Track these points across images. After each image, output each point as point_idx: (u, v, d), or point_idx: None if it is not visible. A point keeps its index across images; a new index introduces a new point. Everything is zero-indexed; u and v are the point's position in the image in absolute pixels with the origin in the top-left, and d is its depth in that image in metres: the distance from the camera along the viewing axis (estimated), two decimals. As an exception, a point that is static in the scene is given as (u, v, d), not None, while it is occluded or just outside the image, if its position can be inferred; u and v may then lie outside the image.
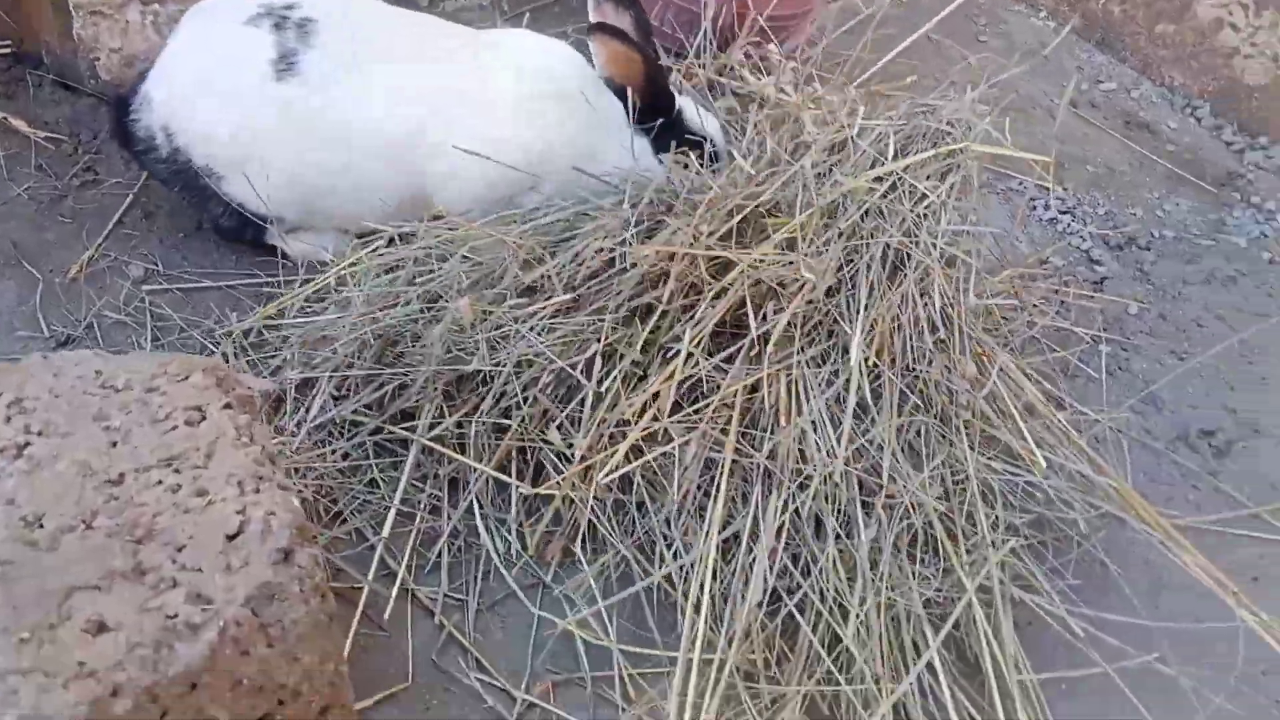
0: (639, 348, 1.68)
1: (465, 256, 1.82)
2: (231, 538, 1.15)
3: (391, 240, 1.95)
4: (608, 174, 1.97)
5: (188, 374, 1.31)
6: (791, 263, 1.72)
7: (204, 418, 1.26)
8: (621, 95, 2.05)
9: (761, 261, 1.69)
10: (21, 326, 1.94)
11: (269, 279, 2.05)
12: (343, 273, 1.92)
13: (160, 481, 1.18)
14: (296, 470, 1.70)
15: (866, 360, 1.64)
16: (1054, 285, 2.49)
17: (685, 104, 2.13)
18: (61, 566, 1.09)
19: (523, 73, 2.04)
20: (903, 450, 1.68)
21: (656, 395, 1.67)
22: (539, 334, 1.67)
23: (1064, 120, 3.21)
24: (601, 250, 1.71)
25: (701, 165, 1.97)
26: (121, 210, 2.19)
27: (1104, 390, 2.33)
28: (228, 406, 1.28)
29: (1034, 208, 2.84)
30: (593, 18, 2.11)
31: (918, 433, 1.71)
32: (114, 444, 1.21)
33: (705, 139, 2.10)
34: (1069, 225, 2.82)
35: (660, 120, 2.07)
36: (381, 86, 1.97)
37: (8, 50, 2.52)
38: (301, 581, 1.15)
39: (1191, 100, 3.45)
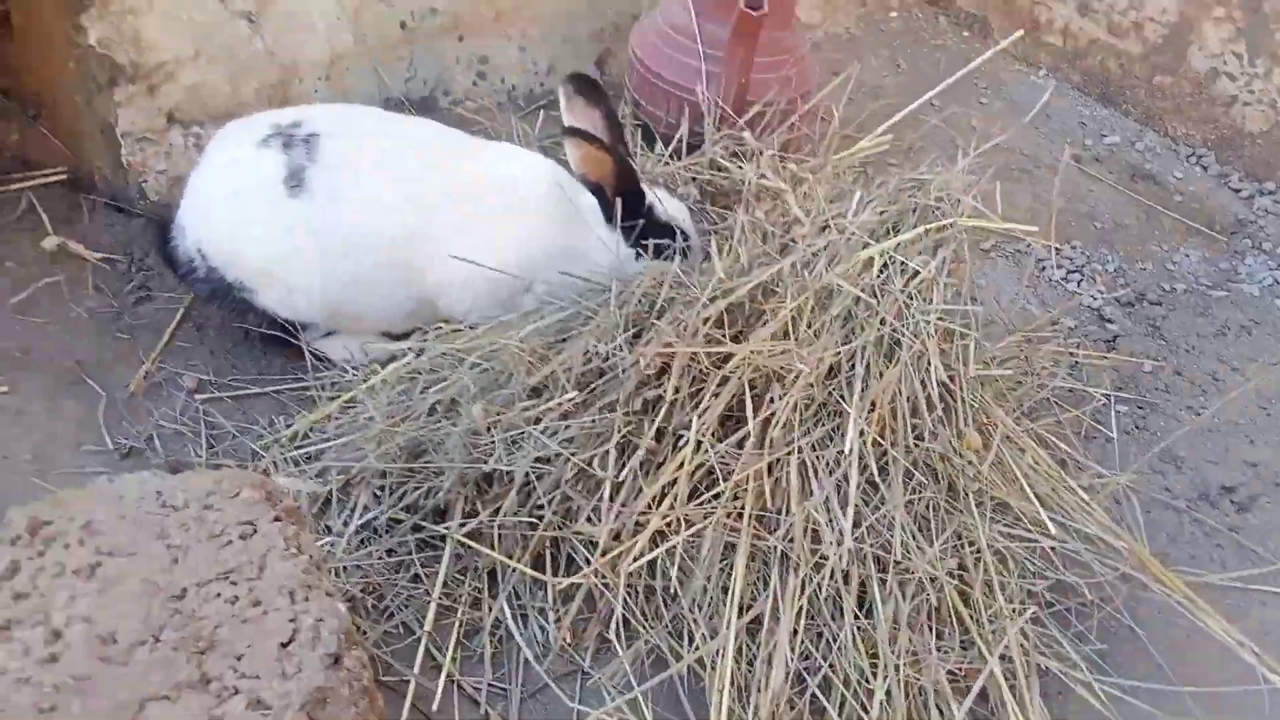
0: (652, 436, 1.78)
1: (474, 363, 1.93)
2: (285, 645, 1.25)
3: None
4: (593, 272, 2.10)
5: (238, 490, 1.42)
6: (785, 351, 1.81)
7: (255, 531, 1.38)
8: (597, 193, 2.17)
9: (758, 352, 1.79)
10: (87, 440, 2.07)
11: (314, 382, 2.18)
12: (364, 385, 2.05)
13: (219, 594, 1.29)
14: (344, 569, 1.81)
15: (870, 439, 1.72)
16: (1065, 346, 2.55)
17: (655, 195, 2.24)
18: (134, 679, 1.19)
19: (501, 181, 2.18)
20: (915, 524, 1.74)
21: (673, 482, 1.77)
22: (552, 433, 1.77)
23: (1069, 177, 3.29)
24: (599, 352, 1.83)
25: (673, 255, 2.11)
26: (174, 325, 2.35)
27: (1121, 450, 2.37)
28: (276, 519, 1.39)
29: (1042, 268, 2.91)
30: (565, 115, 2.24)
31: (927, 506, 1.78)
32: (175, 560, 1.33)
33: (677, 230, 2.22)
34: (1078, 284, 2.89)
35: (633, 215, 2.17)
36: (379, 196, 2.10)
37: (63, 177, 2.73)
38: (350, 685, 1.24)
39: (1196, 149, 3.53)
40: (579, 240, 2.19)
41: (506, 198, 2.18)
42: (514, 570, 1.82)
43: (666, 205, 2.23)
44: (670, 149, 2.60)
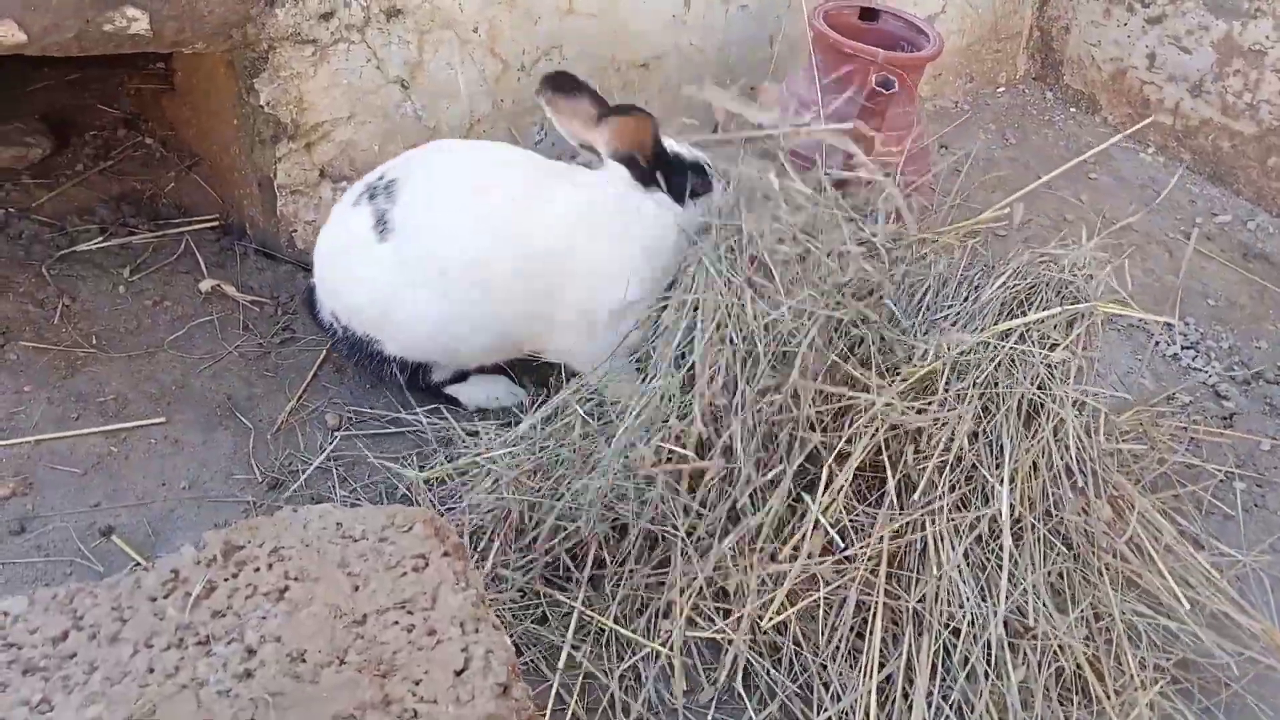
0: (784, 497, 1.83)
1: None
2: (459, 673, 1.32)
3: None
4: (662, 239, 2.18)
5: (411, 525, 1.51)
6: (923, 411, 1.86)
7: (427, 564, 1.46)
8: (630, 163, 2.20)
9: (893, 406, 1.84)
10: (237, 471, 2.20)
11: (446, 421, 2.28)
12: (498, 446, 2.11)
13: (397, 622, 1.37)
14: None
15: (1010, 507, 1.75)
16: (1182, 422, 2.55)
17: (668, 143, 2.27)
18: (323, 698, 1.27)
19: (576, 192, 2.23)
20: (1048, 592, 1.76)
21: (804, 536, 1.81)
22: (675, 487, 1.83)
23: (1180, 253, 3.29)
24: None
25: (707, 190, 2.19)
26: (316, 365, 2.49)
27: (1242, 528, 2.35)
28: (446, 554, 1.48)
29: (1156, 344, 2.91)
30: (553, 119, 2.26)
31: (1060, 575, 1.80)
32: (356, 588, 1.42)
33: (702, 163, 2.26)
34: (1192, 361, 2.87)
35: (670, 169, 2.21)
36: (457, 221, 2.17)
37: (216, 223, 2.92)
38: (518, 714, 1.31)
39: (1310, 230, 3.50)
40: (649, 227, 2.21)
41: (593, 200, 2.22)
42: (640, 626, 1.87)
43: (682, 150, 2.28)
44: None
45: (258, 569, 1.43)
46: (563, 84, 2.26)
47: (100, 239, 2.77)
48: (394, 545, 1.48)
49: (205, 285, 2.65)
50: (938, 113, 3.85)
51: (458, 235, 2.17)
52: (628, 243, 2.19)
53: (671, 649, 1.85)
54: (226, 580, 1.42)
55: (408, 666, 1.33)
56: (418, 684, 1.31)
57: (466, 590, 1.43)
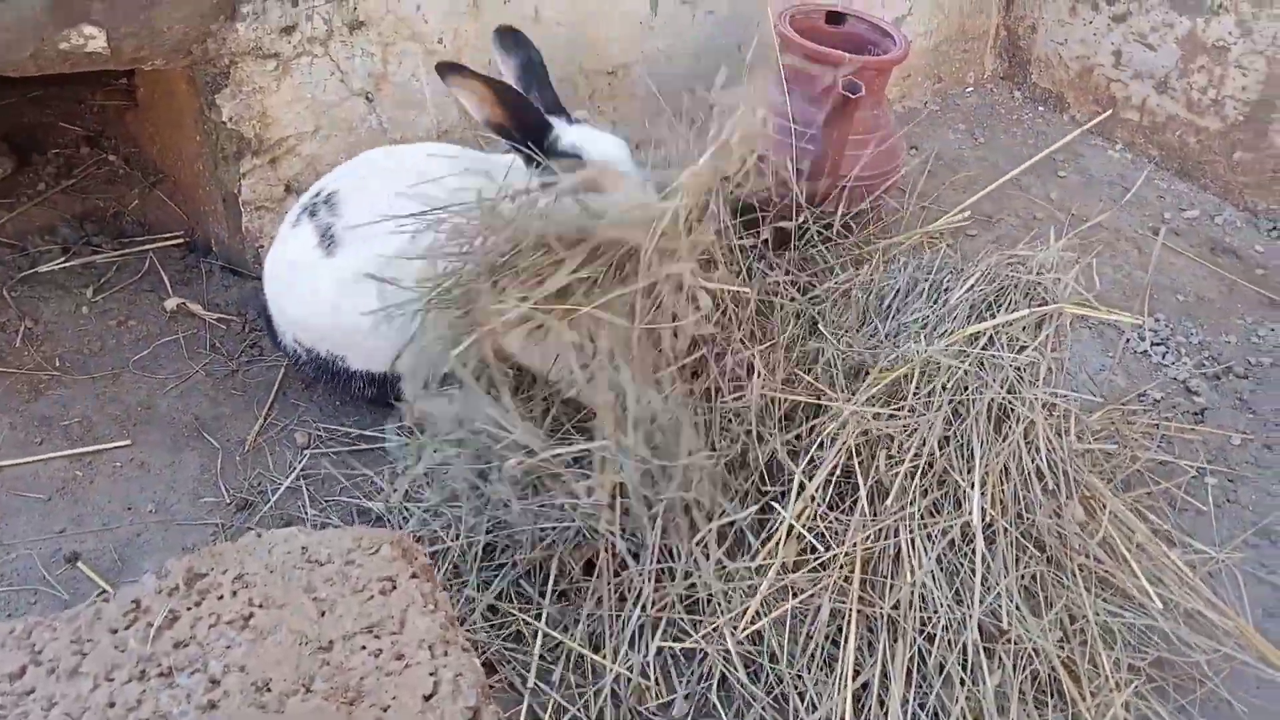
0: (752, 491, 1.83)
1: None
2: (428, 698, 1.30)
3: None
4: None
5: (378, 547, 1.49)
6: (894, 416, 1.87)
7: (395, 587, 1.44)
8: (506, 135, 2.08)
9: (864, 411, 1.84)
10: (205, 493, 2.17)
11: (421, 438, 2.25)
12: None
13: (364, 647, 1.35)
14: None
15: (982, 511, 1.75)
16: (1153, 419, 2.56)
17: (576, 128, 2.14)
18: (289, 727, 1.25)
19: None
20: (1020, 595, 1.76)
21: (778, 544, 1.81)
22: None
23: (1149, 249, 3.31)
24: None
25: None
26: (277, 382, 2.46)
27: (1214, 524, 2.36)
28: (414, 576, 1.46)
29: (1127, 340, 2.92)
30: (499, 72, 2.18)
31: (1033, 578, 1.80)
32: (323, 614, 1.39)
33: (579, 151, 2.08)
34: (1163, 357, 2.89)
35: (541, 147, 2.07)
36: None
37: (181, 241, 2.89)
38: (489, 737, 1.29)
39: (1276, 223, 3.52)
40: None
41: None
42: (617, 633, 1.85)
43: (582, 136, 2.11)
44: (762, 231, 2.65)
45: (221, 597, 1.41)
46: (505, 40, 2.23)
47: (63, 259, 2.73)
48: (360, 568, 1.46)
49: (171, 304, 2.61)
50: (907, 113, 3.86)
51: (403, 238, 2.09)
52: None
53: (642, 669, 1.84)
54: (189, 609, 1.39)
55: (376, 692, 1.31)
56: (386, 710, 1.29)
57: (435, 612, 1.42)
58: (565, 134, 2.12)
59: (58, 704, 1.27)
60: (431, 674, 1.33)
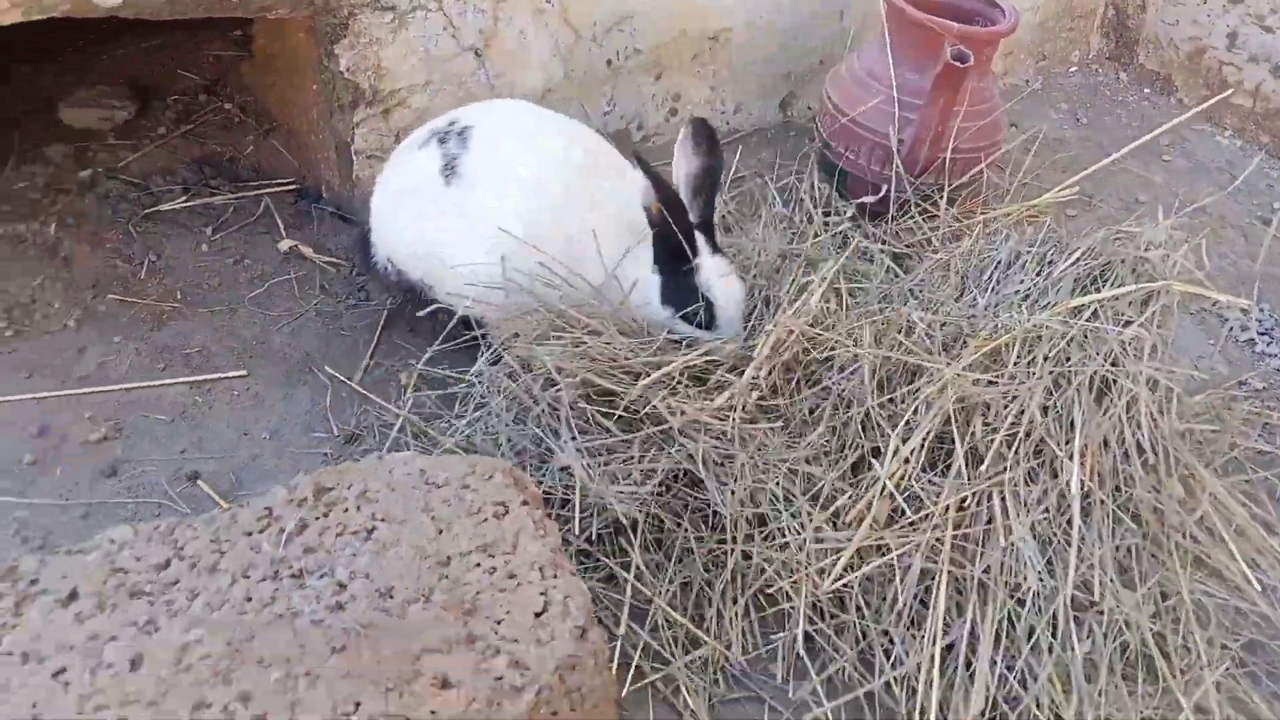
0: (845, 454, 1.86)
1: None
2: (539, 615, 1.37)
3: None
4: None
5: (491, 474, 1.56)
6: (994, 382, 1.87)
7: (507, 512, 1.51)
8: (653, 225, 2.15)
9: (964, 376, 1.85)
10: (316, 425, 2.28)
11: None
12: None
13: (479, 565, 1.43)
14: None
15: (1079, 482, 1.75)
16: (1255, 407, 2.51)
17: (713, 263, 2.17)
18: (411, 631, 1.33)
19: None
20: (1116, 568, 1.76)
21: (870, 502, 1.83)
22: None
23: (1258, 238, 3.22)
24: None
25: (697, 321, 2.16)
26: (381, 324, 2.55)
27: (1314, 515, 2.31)
28: (525, 503, 1.53)
29: (1230, 328, 2.86)
30: (676, 152, 2.19)
31: (1128, 551, 1.79)
32: (440, 531, 1.47)
33: (707, 298, 2.16)
34: (1267, 346, 2.82)
35: (664, 266, 2.19)
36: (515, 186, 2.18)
37: (293, 187, 3.00)
38: (595, 656, 1.35)
39: (1392, 217, 3.40)
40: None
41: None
42: (706, 583, 1.90)
43: (716, 278, 2.17)
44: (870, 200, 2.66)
45: (346, 510, 1.50)
46: (700, 134, 2.20)
47: (183, 199, 2.85)
48: (475, 492, 1.53)
49: (284, 245, 2.72)
50: (1009, 90, 3.79)
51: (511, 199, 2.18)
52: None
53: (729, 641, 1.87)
54: (317, 519, 1.48)
55: (490, 607, 1.38)
56: (499, 623, 1.36)
57: (545, 538, 1.48)
58: (704, 266, 2.16)
59: (199, 595, 1.37)
60: (542, 594, 1.40)
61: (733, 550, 1.88)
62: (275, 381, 2.37)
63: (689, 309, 2.17)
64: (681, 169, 2.19)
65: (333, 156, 2.79)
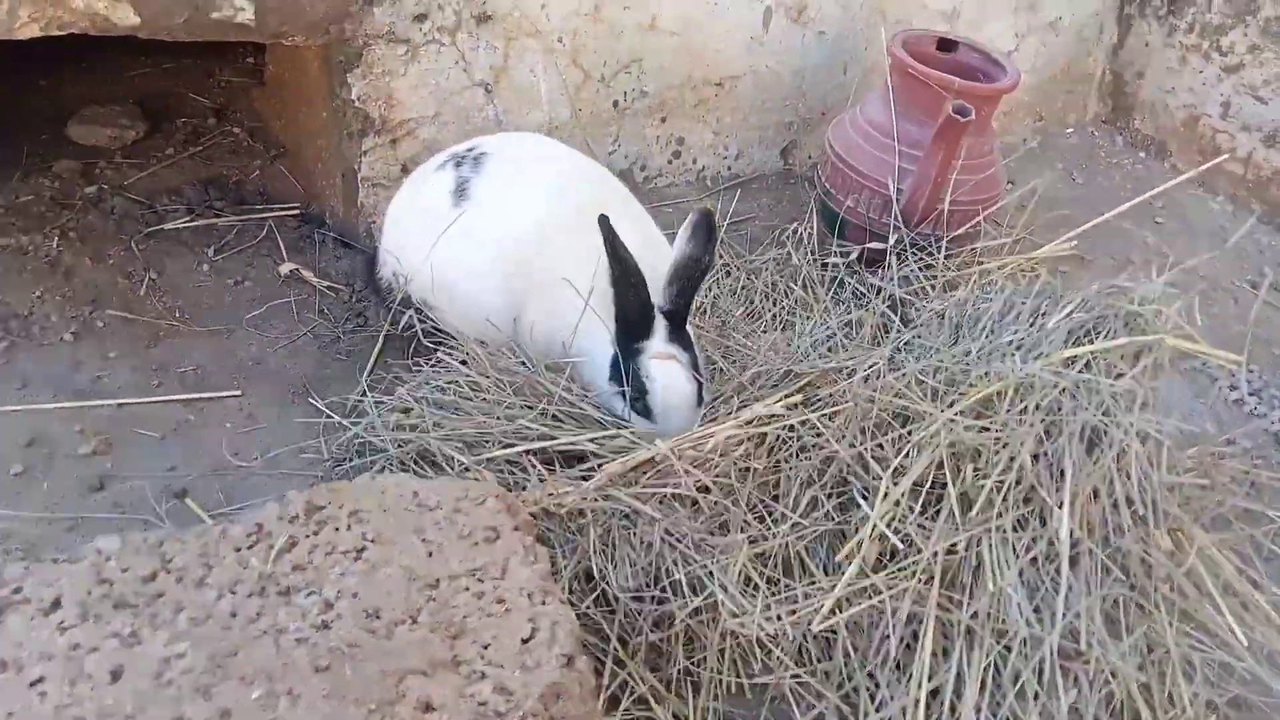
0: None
1: None
2: (526, 641, 1.36)
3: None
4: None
5: (484, 499, 1.56)
6: (986, 429, 1.89)
7: (498, 537, 1.51)
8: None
9: (957, 421, 1.86)
10: (308, 448, 2.27)
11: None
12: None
13: (468, 588, 1.42)
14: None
15: (1069, 531, 1.76)
16: (1243, 465, 2.52)
17: (670, 351, 2.06)
18: (396, 653, 1.32)
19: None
20: (1102, 618, 1.76)
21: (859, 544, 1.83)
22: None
23: (1246, 301, 3.26)
24: None
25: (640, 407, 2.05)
26: (376, 350, 2.56)
27: (1301, 576, 2.32)
28: (516, 529, 1.52)
29: (1221, 388, 2.89)
30: (678, 237, 2.12)
31: (1115, 602, 1.79)
32: (430, 554, 1.47)
33: (649, 386, 2.04)
34: (1255, 407, 2.85)
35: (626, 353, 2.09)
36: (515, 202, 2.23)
37: (297, 211, 3.02)
38: (581, 684, 1.35)
39: (1381, 287, 3.45)
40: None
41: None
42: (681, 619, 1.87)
43: (657, 364, 2.04)
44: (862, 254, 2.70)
45: (337, 529, 1.49)
46: (702, 226, 2.11)
47: (187, 219, 2.88)
48: (467, 516, 1.53)
49: (285, 268, 2.74)
50: (1005, 149, 3.84)
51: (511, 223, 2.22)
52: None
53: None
54: (307, 537, 1.48)
55: (477, 630, 1.37)
56: (486, 647, 1.35)
57: (535, 564, 1.48)
58: (650, 349, 2.05)
59: (184, 609, 1.36)
60: (530, 620, 1.39)
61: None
62: (269, 402, 2.37)
63: (624, 390, 2.06)
64: (674, 253, 2.12)
65: (338, 183, 2.82)
